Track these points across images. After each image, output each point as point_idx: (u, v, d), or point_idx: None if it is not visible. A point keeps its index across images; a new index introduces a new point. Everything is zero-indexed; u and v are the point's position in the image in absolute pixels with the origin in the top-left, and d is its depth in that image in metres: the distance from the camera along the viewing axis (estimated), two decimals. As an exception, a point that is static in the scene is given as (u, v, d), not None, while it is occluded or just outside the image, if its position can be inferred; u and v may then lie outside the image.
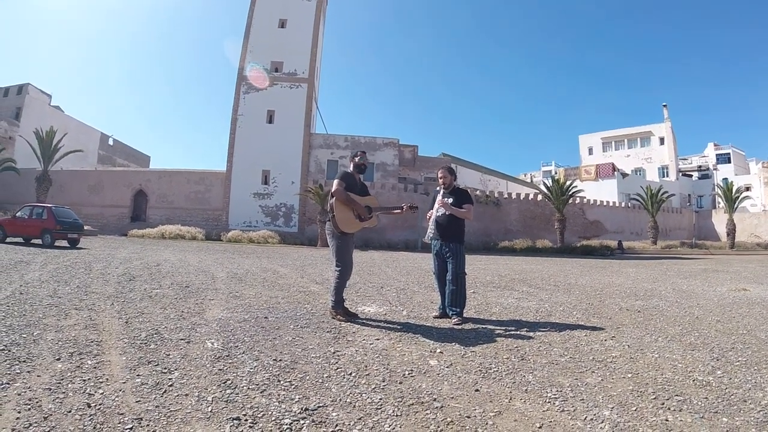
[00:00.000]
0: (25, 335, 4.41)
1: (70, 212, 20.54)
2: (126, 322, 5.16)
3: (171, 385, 3.31)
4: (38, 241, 18.42)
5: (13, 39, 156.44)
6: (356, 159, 6.26)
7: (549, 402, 3.28)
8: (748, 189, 50.65)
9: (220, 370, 3.69)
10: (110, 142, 59.49)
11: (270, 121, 37.31)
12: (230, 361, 3.93)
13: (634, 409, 3.20)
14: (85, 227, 27.55)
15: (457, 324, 5.84)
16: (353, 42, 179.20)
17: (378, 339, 4.89)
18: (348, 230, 5.88)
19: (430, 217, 6.52)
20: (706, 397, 3.47)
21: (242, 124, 37.08)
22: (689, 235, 49.21)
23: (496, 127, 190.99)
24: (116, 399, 3.03)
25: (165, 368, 3.67)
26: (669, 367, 4.19)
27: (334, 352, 4.31)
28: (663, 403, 3.32)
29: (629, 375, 3.93)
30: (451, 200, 6.39)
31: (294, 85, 37.98)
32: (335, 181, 5.87)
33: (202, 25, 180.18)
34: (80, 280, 8.39)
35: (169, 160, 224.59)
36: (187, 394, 3.16)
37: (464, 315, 6.16)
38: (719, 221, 49.96)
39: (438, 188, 6.70)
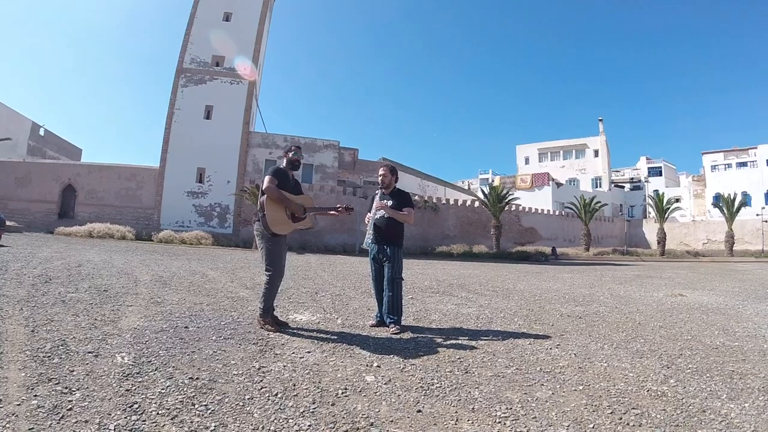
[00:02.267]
0: None
1: (-8, 207, 19.18)
2: (32, 331, 4.66)
3: (70, 409, 2.86)
4: (-47, 239, 17.12)
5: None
6: (290, 154, 5.81)
7: (499, 422, 2.98)
8: (678, 200, 52.68)
9: (128, 390, 3.24)
10: (41, 132, 56.34)
11: (208, 116, 36.00)
12: (140, 379, 3.48)
13: (591, 426, 2.96)
14: (9, 223, 26.09)
15: (395, 333, 5.50)
16: (296, 43, 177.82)
17: (309, 352, 4.48)
18: (280, 231, 5.40)
19: (368, 220, 6.12)
20: (664, 409, 3.28)
21: (179, 119, 35.54)
22: (621, 242, 50.51)
23: (435, 135, 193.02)
24: (7, 425, 2.60)
25: (66, 387, 3.22)
26: (620, 377, 4.00)
27: (259, 368, 3.88)
28: (621, 418, 3.10)
29: (580, 387, 3.70)
30: (391, 203, 6.03)
31: (235, 80, 36.80)
32: (266, 177, 5.38)
33: (146, 14, 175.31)
34: None
35: (102, 155, 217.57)
36: (86, 421, 2.72)
37: (402, 323, 5.83)
38: (650, 230, 51.66)
39: (377, 190, 6.30)
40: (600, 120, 65.63)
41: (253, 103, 37.43)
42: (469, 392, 3.47)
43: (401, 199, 6.10)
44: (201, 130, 35.24)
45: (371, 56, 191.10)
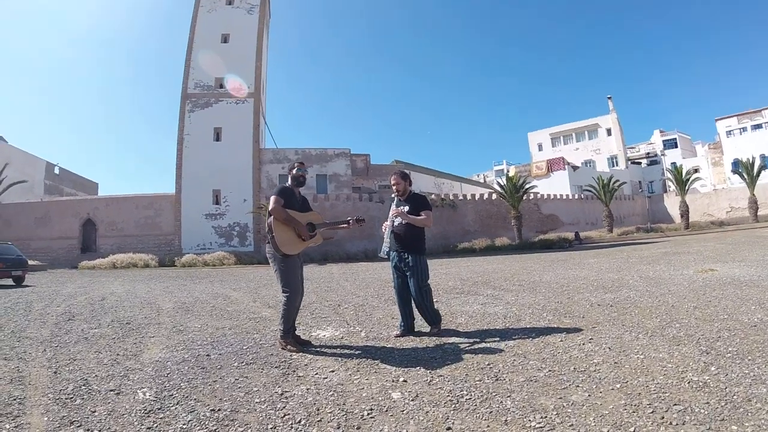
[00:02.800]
0: None
1: (13, 248, 19.37)
2: (55, 372, 4.60)
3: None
4: (-19, 281, 17.28)
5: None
6: (293, 171, 5.68)
7: (534, 433, 2.80)
8: (696, 171, 51.74)
9: (149, 429, 3.14)
10: (56, 170, 57.22)
11: (217, 138, 36.32)
12: (162, 415, 3.37)
13: (632, 429, 2.76)
14: (33, 262, 26.36)
15: (435, 334, 5.58)
16: (296, 54, 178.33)
17: (333, 371, 4.32)
18: (290, 252, 5.27)
19: (385, 228, 5.99)
20: (708, 402, 3.08)
21: (189, 144, 35.93)
22: (644, 220, 49.82)
23: (445, 131, 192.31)
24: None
25: (88, 430, 3.14)
26: (659, 370, 3.78)
27: (281, 394, 3.73)
28: (663, 417, 2.90)
29: (618, 385, 3.48)
30: (407, 208, 5.89)
31: (240, 100, 37.08)
32: (272, 198, 5.29)
33: (145, 45, 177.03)
34: (16, 324, 7.76)
35: (118, 186, 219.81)
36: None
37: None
38: (672, 204, 50.86)
39: (392, 196, 6.18)
40: (609, 98, 64.85)
41: (260, 120, 37.52)
42: (501, 402, 3.29)
43: (418, 203, 5.95)
44: (212, 152, 35.50)
45: (374, 57, 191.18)
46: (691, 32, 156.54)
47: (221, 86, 37.33)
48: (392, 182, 6.11)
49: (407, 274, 5.82)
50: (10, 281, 17.57)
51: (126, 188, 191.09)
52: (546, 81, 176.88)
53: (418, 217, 5.81)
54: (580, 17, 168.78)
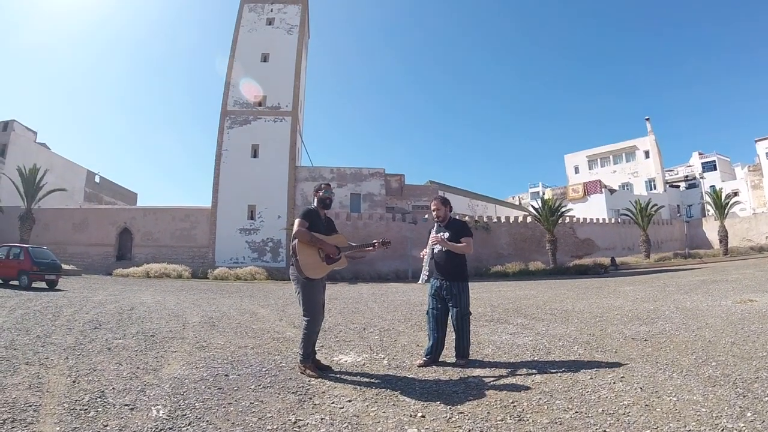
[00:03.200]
0: None
1: (48, 253, 19.89)
2: (74, 381, 4.65)
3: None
4: (16, 282, 17.74)
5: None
6: (320, 193, 5.59)
7: (554, 488, 2.62)
8: (735, 194, 50.16)
9: (159, 449, 3.06)
10: (97, 179, 58.73)
11: (255, 155, 36.87)
12: (172, 435, 3.28)
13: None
14: (69, 267, 26.86)
15: (461, 366, 5.44)
16: (333, 74, 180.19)
17: (350, 401, 4.17)
18: (314, 276, 5.18)
19: (424, 255, 5.86)
20: (742, 454, 2.82)
21: (227, 160, 36.55)
22: (681, 245, 48.71)
23: (482, 153, 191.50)
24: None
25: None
26: (692, 415, 3.54)
27: (294, 422, 3.60)
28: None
29: (647, 431, 3.26)
30: (447, 235, 5.78)
31: (278, 118, 37.61)
32: (296, 221, 5.21)
33: (190, 60, 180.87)
34: (43, 329, 7.91)
35: (156, 197, 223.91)
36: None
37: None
38: (710, 229, 49.67)
39: (430, 219, 6.08)
40: (647, 119, 63.39)
41: (297, 138, 37.88)
42: (522, 446, 3.10)
43: (458, 229, 5.86)
44: (249, 168, 36.03)
45: (407, 84, 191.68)
46: (731, 49, 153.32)
47: (260, 104, 37.92)
48: (432, 207, 6.01)
49: (449, 303, 5.70)
50: (43, 285, 17.90)
51: (164, 200, 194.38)
52: (583, 104, 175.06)
53: (459, 245, 5.71)
54: (620, 33, 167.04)
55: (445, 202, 6.03)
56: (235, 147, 36.83)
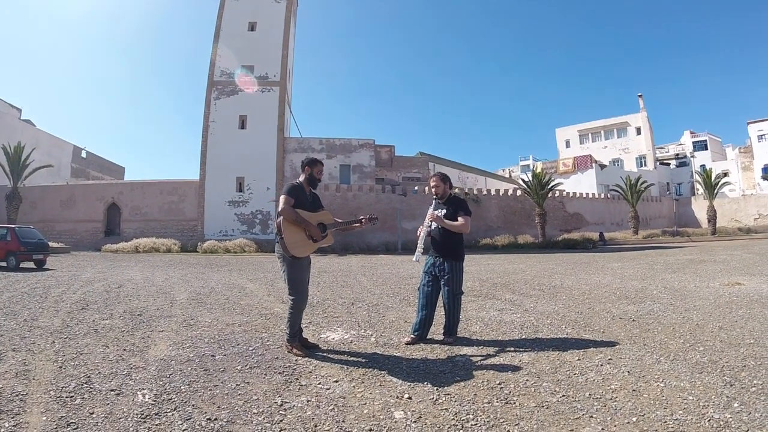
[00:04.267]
0: None
1: (35, 232, 19.77)
2: (60, 367, 4.60)
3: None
4: (3, 264, 17.53)
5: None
6: (312, 170, 5.47)
7: (540, 474, 2.59)
8: (726, 175, 50.32)
9: (143, 436, 3.04)
10: (83, 154, 58.19)
11: (242, 126, 36.55)
12: (158, 421, 3.27)
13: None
14: (57, 244, 26.73)
15: (448, 342, 5.45)
16: (324, 44, 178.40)
17: (337, 381, 4.14)
18: (299, 254, 5.10)
19: (420, 232, 5.77)
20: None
21: (214, 131, 36.22)
22: (670, 223, 49.04)
23: (471, 124, 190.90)
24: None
25: (83, 434, 3.06)
26: (679, 402, 3.51)
27: (281, 405, 3.57)
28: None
29: (633, 419, 3.23)
30: (444, 211, 5.70)
31: (266, 88, 37.18)
32: (281, 198, 5.11)
33: (171, 31, 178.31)
34: (30, 312, 7.81)
35: (144, 171, 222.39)
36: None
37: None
38: (699, 208, 50.04)
39: (433, 198, 5.98)
40: (640, 96, 63.44)
41: (285, 109, 37.54)
42: (508, 430, 3.08)
43: (456, 207, 5.75)
44: (237, 140, 35.77)
45: (401, 49, 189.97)
46: (725, 32, 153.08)
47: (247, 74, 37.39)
48: (432, 184, 5.92)
49: (441, 281, 5.65)
50: (31, 264, 17.81)
51: (152, 173, 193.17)
52: (575, 79, 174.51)
53: (454, 222, 5.62)
54: (613, 16, 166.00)
55: (445, 179, 5.90)
56: (223, 118, 36.46)
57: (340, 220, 5.70)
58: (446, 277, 5.61)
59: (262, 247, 30.81)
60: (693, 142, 64.25)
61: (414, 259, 5.77)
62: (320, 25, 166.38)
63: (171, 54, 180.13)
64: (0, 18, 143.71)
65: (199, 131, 36.57)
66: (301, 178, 5.49)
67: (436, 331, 5.81)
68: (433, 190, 5.90)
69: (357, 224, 5.61)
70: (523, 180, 40.54)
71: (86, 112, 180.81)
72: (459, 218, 5.65)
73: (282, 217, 5.05)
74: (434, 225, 5.69)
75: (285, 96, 37.68)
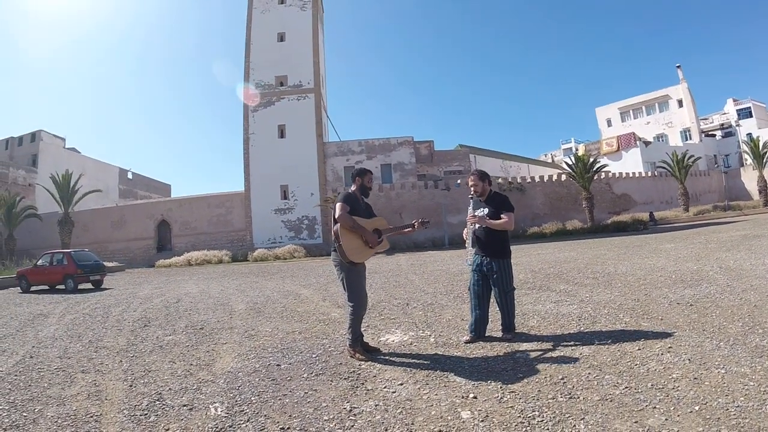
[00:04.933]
0: (26, 413, 4.09)
1: (91, 255, 20.53)
2: (130, 386, 4.74)
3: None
4: (62, 287, 18.21)
5: (22, 89, 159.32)
6: (363, 180, 5.58)
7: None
8: (773, 141, 48.71)
9: (220, 449, 3.15)
10: (129, 176, 60.25)
11: (282, 135, 37.30)
12: (232, 433, 3.37)
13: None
14: (111, 264, 27.59)
15: (507, 340, 5.45)
16: (355, 46, 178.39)
17: (402, 384, 4.23)
18: (358, 260, 5.21)
19: (467, 236, 5.78)
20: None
21: (255, 143, 37.10)
22: (720, 197, 47.64)
23: (509, 111, 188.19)
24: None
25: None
26: (740, 389, 3.48)
27: (350, 410, 3.68)
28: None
29: (696, 407, 3.24)
30: (486, 210, 5.67)
31: (301, 96, 37.82)
32: (337, 206, 5.21)
33: (204, 49, 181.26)
34: (94, 333, 8.05)
35: (190, 186, 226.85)
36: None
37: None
38: (749, 179, 48.43)
39: (470, 197, 5.91)
40: (678, 67, 61.34)
41: (322, 114, 37.99)
42: (574, 425, 3.12)
43: (498, 204, 5.71)
44: (278, 149, 36.51)
45: (432, 41, 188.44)
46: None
47: (281, 84, 38.14)
48: (470, 183, 5.85)
49: (491, 279, 5.63)
50: (89, 285, 18.45)
51: (198, 187, 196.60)
52: (610, 54, 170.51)
53: (498, 221, 5.58)
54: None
55: (483, 177, 5.84)
56: (262, 129, 37.28)
57: (392, 226, 5.77)
58: (495, 276, 5.58)
59: (310, 252, 31.31)
60: (737, 110, 61.62)
61: (467, 263, 5.79)
62: (349, 26, 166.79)
63: (208, 69, 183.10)
64: (38, 54, 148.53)
65: (241, 143, 37.32)
66: (353, 188, 5.60)
67: (494, 327, 5.83)
68: (472, 189, 5.84)
69: (409, 228, 5.70)
70: (566, 164, 39.88)
71: (128, 134, 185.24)
72: (502, 216, 5.60)
73: (339, 224, 5.15)
74: (478, 225, 5.67)
75: (320, 101, 38.17)
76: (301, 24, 39.61)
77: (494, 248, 5.65)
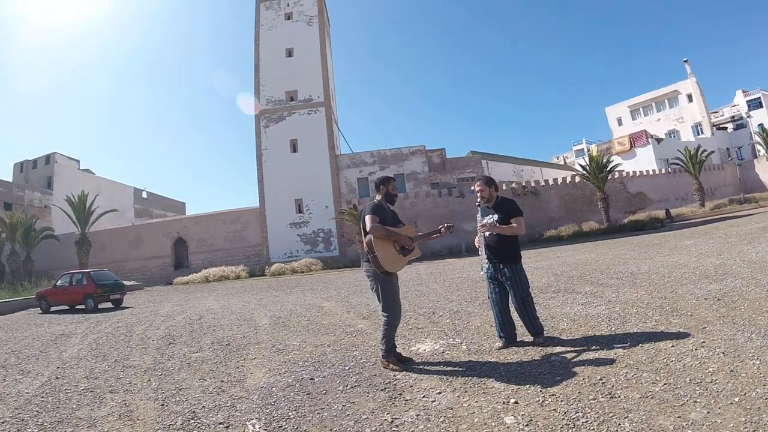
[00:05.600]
0: None
1: (110, 274, 20.70)
2: (162, 405, 4.72)
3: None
4: (82, 306, 18.33)
5: (36, 112, 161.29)
6: (388, 188, 5.60)
7: (658, 462, 2.67)
8: (788, 131, 48.12)
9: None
10: (144, 195, 60.85)
11: (294, 149, 37.55)
12: (274, 450, 3.34)
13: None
14: (130, 282, 27.80)
15: (539, 343, 5.45)
16: (362, 56, 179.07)
17: (440, 393, 4.22)
18: (392, 269, 5.23)
19: (479, 244, 5.78)
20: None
21: (268, 158, 37.36)
22: (736, 190, 47.22)
23: (518, 115, 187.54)
24: None
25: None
26: (776, 378, 3.50)
27: (391, 422, 3.67)
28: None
29: (736, 399, 3.27)
30: (496, 216, 5.68)
31: (312, 110, 38.13)
32: (368, 217, 5.22)
33: (214, 66, 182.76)
34: (119, 352, 8.05)
35: (204, 202, 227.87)
36: None
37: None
38: (763, 170, 48.11)
39: (477, 204, 5.92)
40: (685, 61, 60.91)
41: (333, 127, 38.20)
42: (619, 424, 3.15)
43: (507, 209, 5.72)
44: (290, 163, 36.71)
45: (439, 48, 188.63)
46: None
47: (291, 99, 38.44)
48: (476, 190, 5.85)
49: (507, 283, 5.62)
50: (109, 304, 18.59)
51: (212, 204, 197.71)
52: (617, 51, 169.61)
53: (508, 227, 5.60)
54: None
55: (490, 183, 5.87)
56: (274, 145, 37.57)
57: (421, 233, 5.78)
58: (509, 282, 5.58)
59: (327, 265, 31.44)
60: (747, 102, 60.98)
61: (482, 272, 5.79)
62: (356, 36, 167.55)
63: (219, 86, 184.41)
64: (49, 79, 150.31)
65: (254, 160, 37.63)
66: (379, 197, 5.61)
67: (525, 332, 5.80)
68: (478, 195, 5.85)
69: (437, 234, 5.67)
70: (580, 165, 39.72)
71: (141, 154, 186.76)
72: (512, 221, 5.63)
73: (372, 235, 5.14)
74: (488, 233, 5.67)
75: (331, 114, 38.44)
76: (309, 39, 39.97)
77: (505, 254, 5.65)
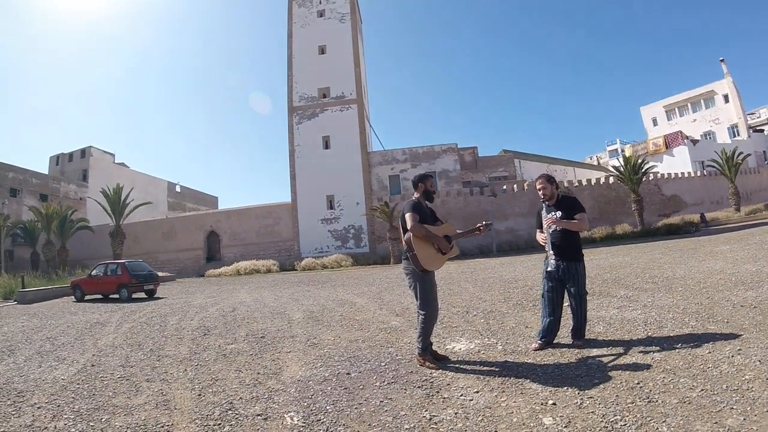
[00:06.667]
0: (93, 423, 4.14)
1: (144, 265, 21.09)
2: (198, 395, 4.82)
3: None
4: (116, 296, 18.78)
5: (72, 106, 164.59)
6: (426, 185, 5.65)
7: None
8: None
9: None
10: (177, 189, 61.88)
11: (326, 146, 37.88)
12: (313, 443, 3.40)
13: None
14: (162, 273, 28.29)
15: (578, 347, 5.44)
16: (393, 55, 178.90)
17: (477, 391, 4.28)
18: (431, 268, 5.30)
19: (544, 241, 5.80)
20: None
21: (300, 154, 37.70)
22: (772, 195, 46.04)
23: (554, 114, 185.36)
24: None
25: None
26: (812, 387, 3.50)
27: (430, 419, 3.72)
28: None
29: None
30: (559, 213, 5.67)
31: (344, 107, 38.37)
32: (407, 216, 5.27)
33: (251, 62, 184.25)
34: (154, 341, 8.20)
35: (237, 198, 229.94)
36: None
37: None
38: (800, 174, 46.76)
39: (541, 202, 5.91)
40: (722, 60, 59.58)
41: (365, 124, 38.36)
42: (657, 428, 3.20)
43: (570, 206, 5.72)
44: (323, 160, 37.01)
45: (472, 49, 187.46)
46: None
47: (324, 96, 38.76)
48: (538, 187, 5.85)
49: (568, 284, 5.63)
50: (142, 294, 19.02)
51: (244, 199, 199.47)
52: (652, 50, 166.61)
53: (573, 222, 5.61)
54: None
55: (551, 180, 5.85)
56: (307, 141, 37.94)
57: (460, 231, 5.83)
58: (572, 280, 5.59)
59: (358, 261, 31.70)
60: (785, 102, 59.67)
61: (549, 268, 5.73)
62: (387, 37, 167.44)
63: (254, 82, 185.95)
64: (94, 73, 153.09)
65: (287, 155, 37.98)
66: (417, 195, 5.67)
67: (560, 335, 5.83)
68: (540, 192, 5.82)
69: (477, 231, 5.72)
70: (614, 166, 39.20)
71: (176, 148, 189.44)
72: (575, 217, 5.62)
73: (412, 234, 5.20)
74: (553, 227, 5.66)
75: (363, 112, 38.58)
76: (341, 36, 40.29)
77: (571, 251, 5.65)
